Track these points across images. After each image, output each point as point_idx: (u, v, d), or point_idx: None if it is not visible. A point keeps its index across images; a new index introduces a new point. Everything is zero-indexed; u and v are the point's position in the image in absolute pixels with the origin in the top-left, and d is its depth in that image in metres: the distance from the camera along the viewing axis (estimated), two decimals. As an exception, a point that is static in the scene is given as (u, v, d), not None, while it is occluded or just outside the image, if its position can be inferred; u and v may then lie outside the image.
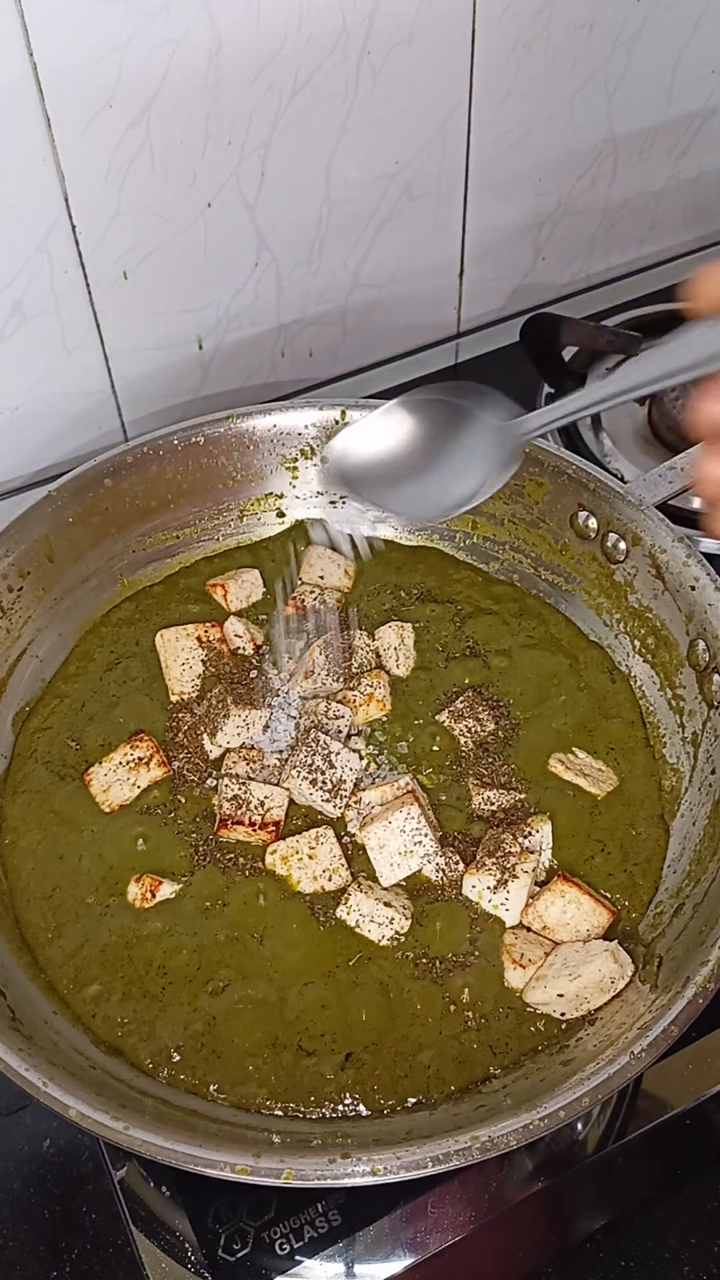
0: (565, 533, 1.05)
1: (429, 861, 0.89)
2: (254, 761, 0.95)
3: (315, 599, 1.07)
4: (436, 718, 0.99)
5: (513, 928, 0.86)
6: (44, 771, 0.96)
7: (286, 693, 1.00)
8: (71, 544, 1.04)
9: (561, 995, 0.80)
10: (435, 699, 1.01)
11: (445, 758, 0.97)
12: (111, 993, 0.84)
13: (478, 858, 0.88)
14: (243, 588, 1.08)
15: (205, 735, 0.97)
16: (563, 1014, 0.81)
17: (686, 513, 1.13)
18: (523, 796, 0.94)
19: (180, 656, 1.01)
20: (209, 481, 1.10)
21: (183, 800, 0.94)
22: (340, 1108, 0.78)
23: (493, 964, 0.85)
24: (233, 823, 0.91)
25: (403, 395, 0.85)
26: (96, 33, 0.97)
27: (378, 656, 1.03)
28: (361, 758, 0.95)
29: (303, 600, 1.07)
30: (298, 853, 0.89)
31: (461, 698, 1.00)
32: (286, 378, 1.33)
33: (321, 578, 1.10)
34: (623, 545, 1.01)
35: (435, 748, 0.98)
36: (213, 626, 1.04)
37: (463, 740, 0.98)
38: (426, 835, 0.88)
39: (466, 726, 0.98)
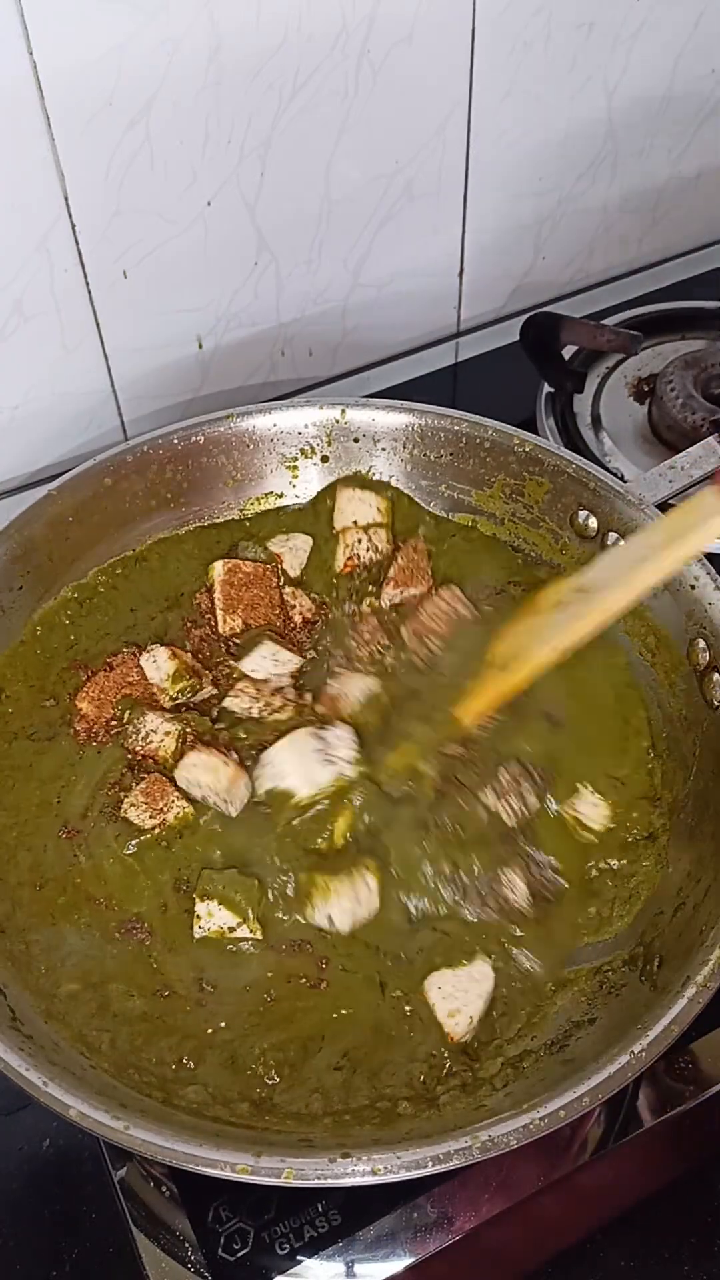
0: (565, 532, 1.05)
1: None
2: (261, 693, 0.95)
3: (367, 548, 1.06)
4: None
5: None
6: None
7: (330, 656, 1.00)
8: (71, 544, 1.04)
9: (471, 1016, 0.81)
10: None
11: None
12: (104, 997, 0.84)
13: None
14: (295, 554, 1.08)
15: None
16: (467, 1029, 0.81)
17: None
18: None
19: (234, 593, 1.01)
20: (209, 481, 1.10)
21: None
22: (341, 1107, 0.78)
23: None
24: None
25: None
26: (96, 32, 0.97)
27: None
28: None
29: (356, 555, 1.06)
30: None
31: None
32: (286, 377, 1.33)
33: (355, 521, 1.08)
34: (623, 545, 1.01)
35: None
36: (270, 571, 1.04)
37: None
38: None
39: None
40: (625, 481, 1.03)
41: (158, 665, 0.98)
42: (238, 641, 1.01)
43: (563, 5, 1.20)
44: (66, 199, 1.05)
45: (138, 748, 0.94)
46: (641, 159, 1.40)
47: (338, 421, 1.10)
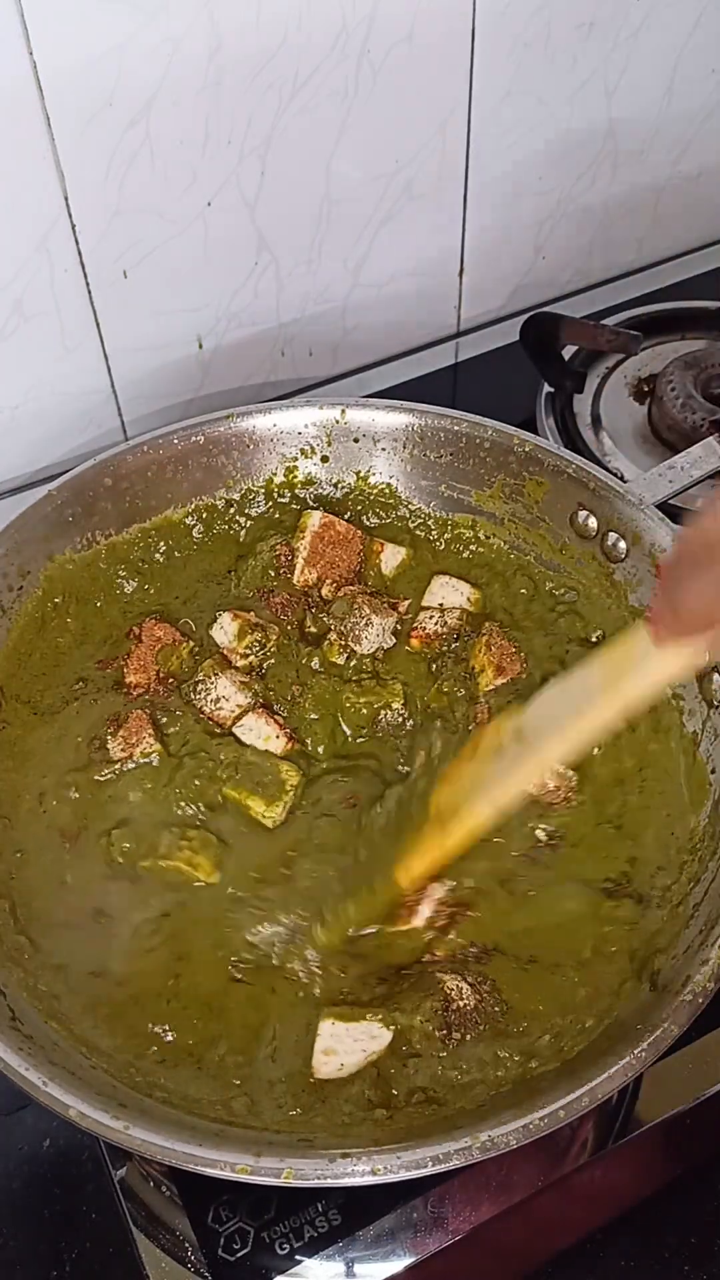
0: (565, 532, 1.05)
1: None
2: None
3: (436, 623, 1.03)
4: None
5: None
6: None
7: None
8: (71, 543, 1.04)
9: (343, 1064, 0.78)
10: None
11: None
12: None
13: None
14: (394, 556, 1.08)
15: (350, 643, 0.99)
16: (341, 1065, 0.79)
17: (687, 513, 1.13)
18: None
19: (321, 548, 1.02)
20: (209, 481, 1.10)
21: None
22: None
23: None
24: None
25: None
26: (96, 32, 0.97)
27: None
28: None
29: (423, 627, 1.03)
30: None
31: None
32: (286, 377, 1.33)
33: (441, 603, 1.04)
34: (623, 545, 1.01)
35: None
36: (358, 537, 1.05)
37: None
38: None
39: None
40: (625, 481, 1.03)
41: (224, 630, 1.00)
42: (321, 597, 1.03)
43: (563, 5, 1.20)
44: (66, 199, 1.05)
45: (206, 709, 0.96)
46: (641, 159, 1.40)
47: (338, 421, 1.10)
